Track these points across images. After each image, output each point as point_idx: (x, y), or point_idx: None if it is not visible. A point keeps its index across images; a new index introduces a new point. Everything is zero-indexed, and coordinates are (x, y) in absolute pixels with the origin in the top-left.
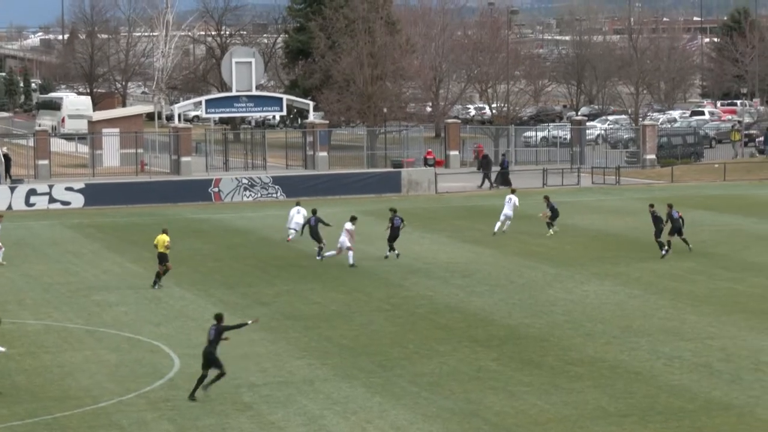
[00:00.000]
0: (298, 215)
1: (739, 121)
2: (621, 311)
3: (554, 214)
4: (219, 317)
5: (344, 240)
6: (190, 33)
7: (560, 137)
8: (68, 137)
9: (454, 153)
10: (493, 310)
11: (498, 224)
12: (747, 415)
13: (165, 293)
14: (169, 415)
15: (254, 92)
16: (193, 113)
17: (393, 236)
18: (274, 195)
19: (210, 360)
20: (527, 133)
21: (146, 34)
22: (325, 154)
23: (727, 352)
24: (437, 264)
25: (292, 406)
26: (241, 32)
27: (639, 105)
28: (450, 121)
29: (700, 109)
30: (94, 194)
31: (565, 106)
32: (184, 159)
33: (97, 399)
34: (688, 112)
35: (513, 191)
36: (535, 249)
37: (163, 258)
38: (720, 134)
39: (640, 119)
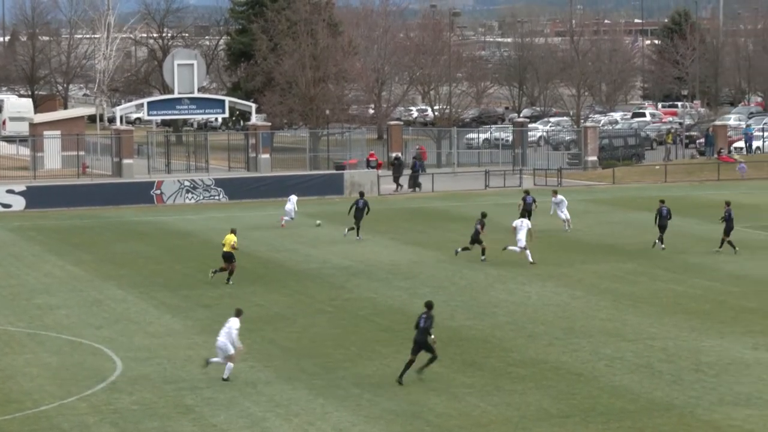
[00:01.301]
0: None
1: (680, 123)
2: (563, 312)
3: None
4: (429, 305)
5: (522, 239)
6: (131, 35)
7: (502, 139)
8: (9, 140)
9: (396, 155)
10: (436, 312)
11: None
12: (688, 416)
13: (106, 296)
14: (111, 418)
15: (196, 94)
16: (134, 115)
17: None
18: (217, 197)
19: (421, 345)
20: (469, 135)
21: (88, 36)
22: (267, 156)
23: (668, 353)
24: (380, 266)
25: (234, 408)
26: (183, 34)
27: (580, 107)
28: (392, 123)
29: (641, 110)
30: (36, 197)
31: (507, 108)
32: (125, 161)
33: (38, 402)
34: (630, 114)
35: (555, 192)
36: (478, 251)
37: (228, 257)
38: (661, 136)
39: (582, 121)
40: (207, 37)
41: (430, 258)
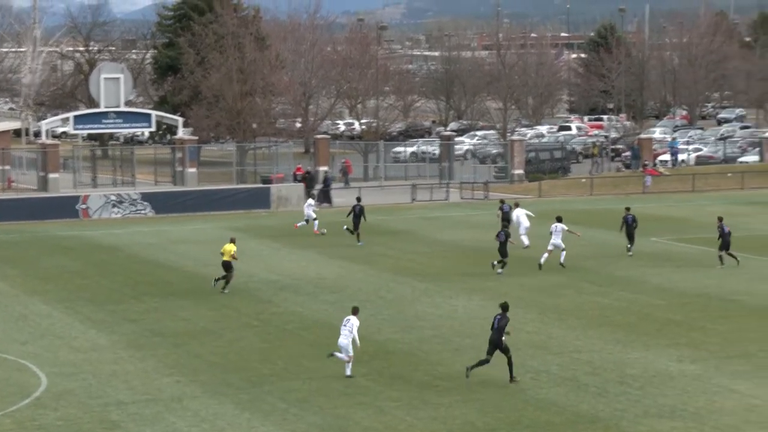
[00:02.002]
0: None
1: (606, 136)
2: (489, 326)
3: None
4: (505, 307)
5: (559, 242)
6: (57, 49)
7: (429, 153)
8: None
9: (323, 168)
10: (363, 326)
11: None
12: (613, 428)
13: (32, 311)
14: None
15: (123, 108)
16: (60, 129)
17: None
18: (143, 211)
19: (497, 346)
20: (396, 149)
21: (13, 49)
22: (194, 170)
23: (593, 366)
24: (307, 280)
25: (160, 423)
26: (110, 48)
27: (507, 120)
28: (319, 136)
29: (567, 124)
30: None
31: (434, 122)
32: (51, 175)
33: None
34: (556, 127)
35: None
36: (405, 264)
37: (227, 266)
38: (587, 149)
39: (509, 134)
40: (134, 51)
41: (356, 272)
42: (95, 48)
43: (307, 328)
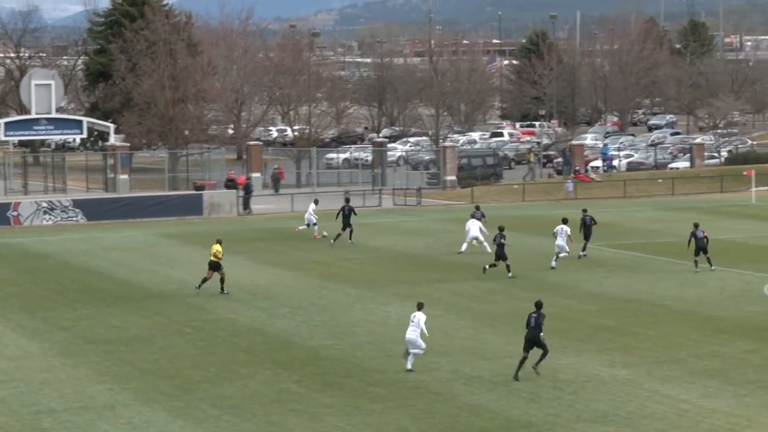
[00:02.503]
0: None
1: (537, 143)
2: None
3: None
4: (539, 305)
5: (563, 244)
6: None
7: (362, 159)
8: None
9: (256, 175)
10: (295, 332)
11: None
12: None
13: None
14: None
15: (54, 115)
16: None
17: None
18: (75, 218)
19: (534, 342)
20: (329, 155)
21: None
22: (126, 176)
23: (525, 371)
24: (239, 287)
25: (92, 431)
26: (41, 54)
27: (439, 127)
28: (252, 143)
29: (499, 130)
30: None
31: (366, 128)
32: None
33: None
34: (488, 134)
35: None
36: (337, 271)
37: (214, 266)
38: (519, 155)
39: (441, 141)
40: (65, 57)
41: (289, 278)
42: (26, 54)
43: (239, 334)
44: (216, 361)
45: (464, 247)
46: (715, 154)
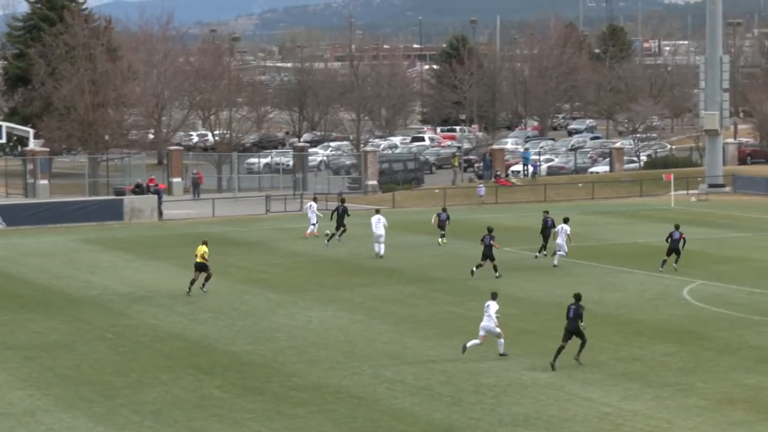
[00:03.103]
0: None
1: (459, 147)
2: (344, 336)
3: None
4: (578, 297)
5: (562, 243)
6: None
7: (283, 164)
8: None
9: (177, 180)
10: (217, 338)
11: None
12: None
13: None
14: None
15: None
16: None
17: (484, 255)
18: None
19: (574, 332)
20: (250, 160)
21: None
22: (45, 182)
23: (447, 375)
24: (161, 292)
25: None
26: None
27: (360, 131)
28: (172, 148)
29: (420, 135)
30: None
31: (287, 133)
32: None
33: None
34: (409, 138)
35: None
36: (259, 276)
37: (200, 267)
38: (440, 160)
39: (362, 145)
40: None
41: (211, 283)
42: None
43: (161, 340)
44: (137, 366)
45: (381, 249)
46: (635, 159)
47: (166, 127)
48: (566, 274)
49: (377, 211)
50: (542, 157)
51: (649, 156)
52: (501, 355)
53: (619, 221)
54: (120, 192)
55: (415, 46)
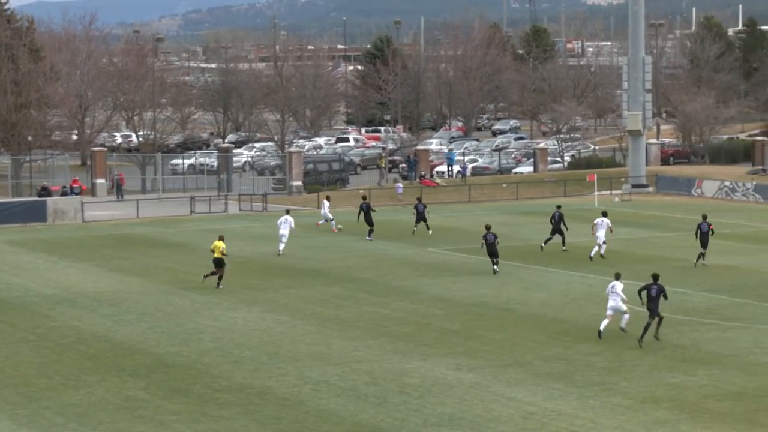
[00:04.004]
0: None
1: (383, 148)
2: (269, 337)
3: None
4: (656, 277)
5: (602, 236)
6: None
7: (207, 165)
8: None
9: (100, 181)
10: (141, 339)
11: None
12: None
13: None
14: None
15: None
16: None
17: (490, 252)
18: None
19: (654, 311)
20: (174, 161)
21: None
22: None
23: (373, 376)
24: (84, 294)
25: None
26: None
27: (285, 132)
28: (96, 149)
29: (345, 135)
30: None
31: (212, 134)
32: None
33: None
34: (334, 139)
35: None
36: (184, 277)
37: (218, 263)
38: (365, 160)
39: (287, 146)
40: None
41: (135, 285)
42: None
43: (84, 342)
44: (61, 368)
45: (281, 247)
46: (558, 159)
47: (90, 128)
48: (490, 273)
49: (287, 212)
50: (467, 158)
51: (572, 156)
52: (621, 329)
53: (544, 221)
54: (44, 193)
55: (339, 46)
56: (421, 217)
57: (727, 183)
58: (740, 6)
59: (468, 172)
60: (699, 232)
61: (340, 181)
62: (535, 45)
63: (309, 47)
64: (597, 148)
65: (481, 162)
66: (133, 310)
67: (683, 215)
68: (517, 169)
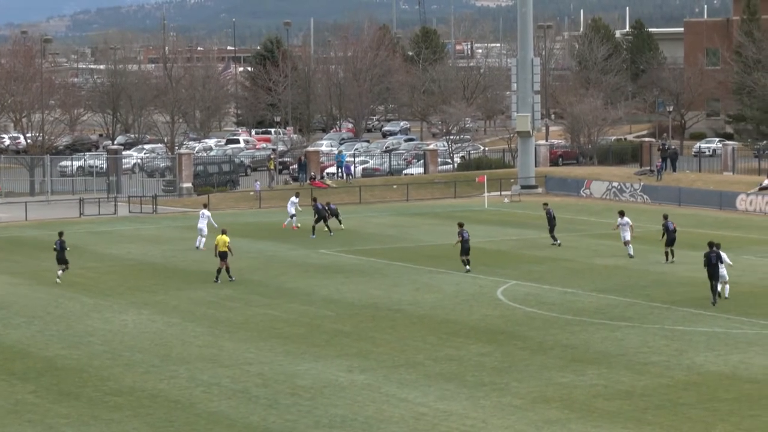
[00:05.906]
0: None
1: (274, 149)
2: (160, 340)
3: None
4: (712, 244)
5: (626, 236)
6: None
7: (96, 166)
8: None
9: None
10: (30, 342)
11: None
12: None
13: None
14: None
15: None
16: None
17: (465, 249)
18: None
19: (714, 275)
20: (63, 163)
21: None
22: None
23: (264, 378)
24: None
25: None
26: None
27: (175, 133)
28: None
29: (235, 137)
30: None
31: (101, 135)
32: None
33: None
34: (224, 141)
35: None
36: (73, 279)
37: (223, 256)
38: (255, 162)
39: (177, 148)
40: None
41: (23, 287)
42: None
43: None
44: None
45: (201, 242)
46: (449, 160)
47: None
48: (382, 275)
49: (204, 206)
50: (357, 159)
51: (462, 157)
52: (726, 298)
53: (434, 222)
54: None
55: (229, 48)
56: (321, 215)
57: (615, 184)
58: (627, 8)
59: (355, 172)
60: (666, 231)
61: (230, 182)
62: (425, 47)
63: (199, 49)
64: (487, 149)
65: (371, 163)
66: (21, 313)
67: (572, 216)
68: (407, 171)
